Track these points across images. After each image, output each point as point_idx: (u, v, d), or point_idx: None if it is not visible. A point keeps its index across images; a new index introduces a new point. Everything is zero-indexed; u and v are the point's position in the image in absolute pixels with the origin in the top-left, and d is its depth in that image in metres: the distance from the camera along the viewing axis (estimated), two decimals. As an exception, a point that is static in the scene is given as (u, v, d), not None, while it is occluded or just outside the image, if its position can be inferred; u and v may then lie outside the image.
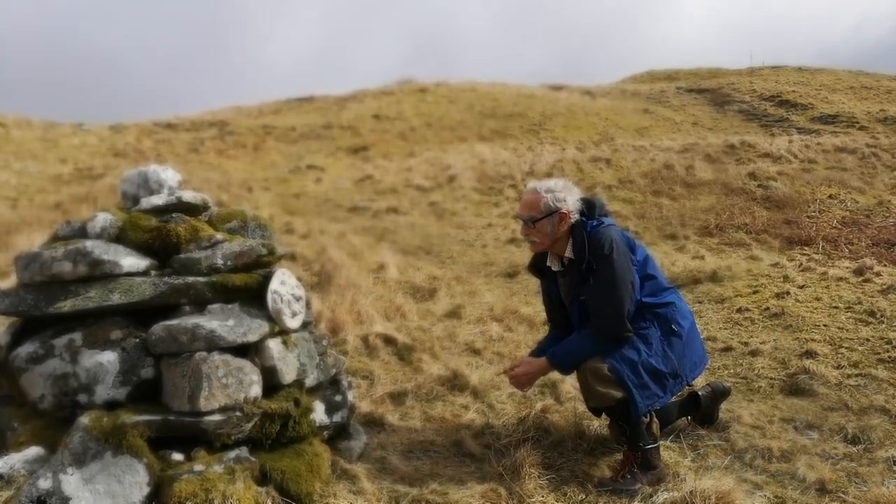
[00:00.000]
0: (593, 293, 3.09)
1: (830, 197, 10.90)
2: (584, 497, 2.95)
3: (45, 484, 2.39)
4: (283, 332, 3.02)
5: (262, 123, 20.88)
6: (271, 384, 2.90)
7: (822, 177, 12.21)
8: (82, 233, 2.99)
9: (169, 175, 3.20)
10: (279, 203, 11.34)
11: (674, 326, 3.15)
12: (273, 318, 2.96)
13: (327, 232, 9.09)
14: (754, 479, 3.11)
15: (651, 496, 2.96)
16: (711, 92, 25.70)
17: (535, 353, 3.40)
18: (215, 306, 2.89)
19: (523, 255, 8.15)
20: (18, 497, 2.36)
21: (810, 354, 4.59)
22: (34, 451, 2.61)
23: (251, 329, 2.83)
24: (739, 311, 5.82)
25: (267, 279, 3.02)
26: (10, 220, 8.59)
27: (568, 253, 3.19)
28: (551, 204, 3.16)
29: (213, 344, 2.71)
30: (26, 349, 2.82)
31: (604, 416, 3.45)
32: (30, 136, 18.20)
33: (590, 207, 3.23)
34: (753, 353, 4.76)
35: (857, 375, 4.26)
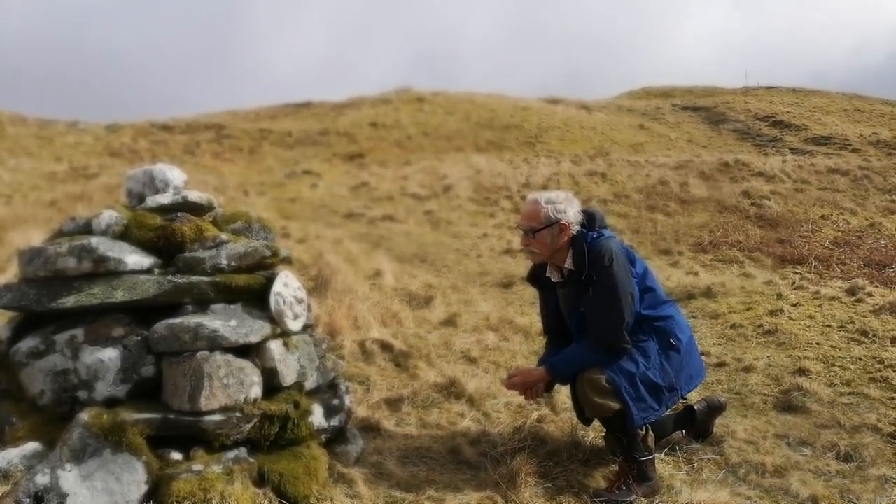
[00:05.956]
0: (593, 304, 3.10)
1: (823, 217, 10.99)
2: (579, 507, 2.96)
3: (42, 480, 2.39)
4: (285, 334, 3.03)
5: (258, 127, 20.90)
6: (271, 386, 2.90)
7: (815, 197, 12.33)
8: (87, 229, 2.99)
9: (175, 174, 3.21)
10: (275, 207, 11.35)
11: (672, 340, 3.17)
12: (275, 320, 2.97)
13: (323, 237, 9.11)
14: (748, 493, 3.13)
15: (646, 508, 2.97)
16: (706, 110, 25.93)
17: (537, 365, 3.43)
18: (218, 306, 2.90)
19: (519, 265, 8.18)
20: (15, 492, 2.35)
21: (803, 372, 4.62)
22: (32, 446, 2.61)
23: (253, 330, 2.83)
24: (733, 327, 5.85)
25: (270, 281, 3.03)
26: (5, 217, 8.56)
27: (568, 264, 3.21)
28: (552, 215, 3.18)
29: (216, 344, 2.71)
30: (27, 344, 2.81)
31: (599, 426, 3.47)
32: (24, 132, 18.16)
33: (590, 219, 3.25)
34: (747, 369, 4.79)
35: (849, 394, 4.30)
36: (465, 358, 4.95)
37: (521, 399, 3.74)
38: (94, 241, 2.83)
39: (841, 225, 10.56)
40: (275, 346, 2.92)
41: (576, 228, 3.19)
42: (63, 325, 2.84)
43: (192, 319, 2.77)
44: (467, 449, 3.47)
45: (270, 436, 2.84)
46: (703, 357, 4.35)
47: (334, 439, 3.22)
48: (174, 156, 16.49)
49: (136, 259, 2.88)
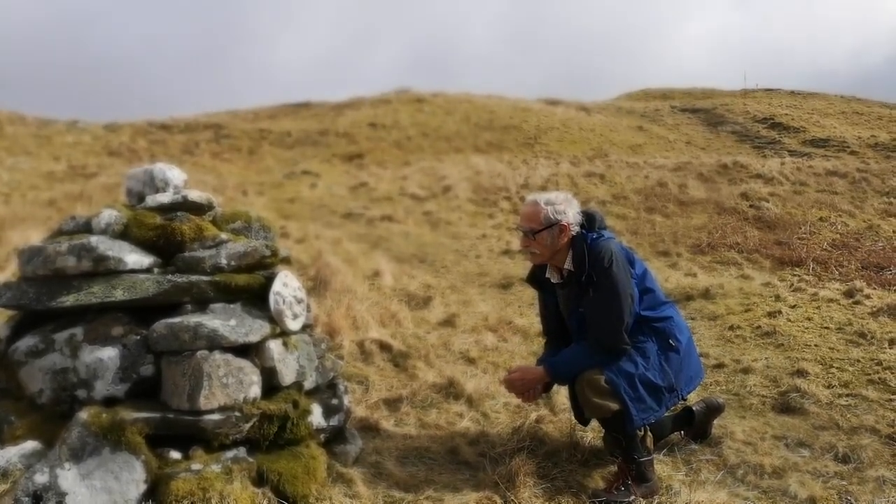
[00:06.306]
0: (593, 305, 3.10)
1: (821, 219, 11.02)
2: (578, 507, 2.96)
3: (41, 478, 2.38)
4: (284, 334, 3.03)
5: (257, 128, 20.90)
6: (270, 385, 2.91)
7: (813, 199, 12.35)
8: (87, 228, 2.99)
9: (174, 174, 3.21)
10: (274, 207, 11.35)
11: (671, 341, 3.17)
12: (274, 320, 2.97)
13: (322, 237, 9.11)
14: (746, 494, 3.13)
15: (645, 508, 2.97)
16: (705, 112, 25.98)
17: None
18: (217, 306, 2.90)
19: (517, 266, 8.19)
20: (14, 491, 2.35)
21: (801, 373, 4.62)
22: (31, 445, 2.60)
23: (253, 329, 2.84)
24: (731, 328, 5.86)
25: (269, 280, 3.03)
26: (4, 216, 8.55)
27: (567, 265, 3.21)
28: (551, 216, 3.18)
29: (215, 343, 2.71)
30: (26, 343, 2.81)
31: (597, 427, 3.48)
32: (23, 132, 18.15)
33: (589, 220, 3.25)
34: (745, 371, 4.79)
35: (847, 395, 4.30)
36: (463, 358, 4.95)
37: (519, 399, 3.76)
38: (94, 240, 2.83)
39: (839, 227, 10.58)
40: (274, 346, 2.92)
41: (575, 229, 3.19)
42: (62, 324, 2.84)
43: (191, 319, 2.77)
44: (466, 449, 3.47)
45: (269, 435, 2.84)
46: (701, 358, 4.37)
47: (333, 439, 3.22)
48: (173, 155, 16.49)
49: (135, 258, 2.88)
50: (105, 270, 2.81)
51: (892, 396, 4.25)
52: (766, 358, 5.06)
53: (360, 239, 9.44)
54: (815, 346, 5.25)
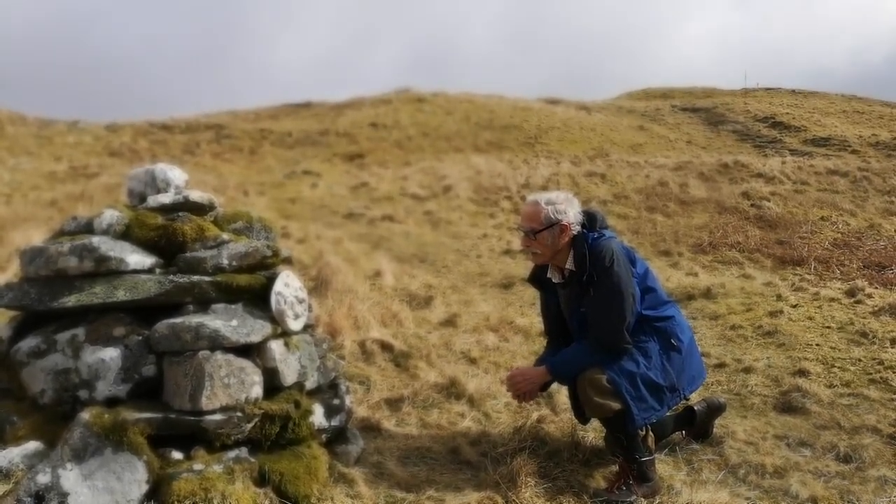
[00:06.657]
0: (594, 305, 3.10)
1: (822, 219, 11.01)
2: (579, 507, 2.96)
3: (43, 479, 2.38)
4: (286, 334, 3.04)
5: (258, 128, 20.92)
6: (272, 385, 2.91)
7: (815, 198, 12.35)
8: (88, 228, 2.99)
9: (176, 174, 3.21)
10: (275, 207, 11.36)
11: (673, 341, 3.17)
12: (276, 320, 2.97)
13: (323, 237, 9.12)
14: (748, 494, 3.13)
15: (647, 508, 2.97)
16: (706, 111, 25.99)
17: (536, 365, 3.42)
18: (219, 306, 2.90)
19: (518, 266, 8.19)
20: (16, 491, 2.35)
21: (803, 373, 4.62)
22: (33, 445, 2.61)
23: (254, 330, 2.84)
24: (733, 328, 5.86)
25: (271, 280, 3.04)
26: (5, 216, 8.56)
27: (569, 265, 3.21)
28: (552, 216, 3.17)
29: (217, 343, 2.71)
30: (28, 343, 2.81)
31: (598, 427, 3.48)
32: (24, 132, 18.17)
33: (590, 220, 3.25)
34: (747, 370, 4.79)
35: (849, 395, 4.30)
36: (465, 358, 4.95)
37: (516, 400, 3.75)
38: (96, 240, 2.84)
39: (840, 226, 10.57)
40: (276, 346, 2.92)
41: (576, 229, 3.19)
42: (64, 325, 2.84)
43: (193, 319, 2.77)
44: (467, 449, 3.47)
45: (271, 435, 2.84)
46: (703, 357, 4.37)
47: (335, 439, 3.22)
48: (174, 156, 16.51)
49: (137, 258, 2.88)
50: (107, 271, 2.81)
51: (894, 396, 4.25)
52: (767, 357, 5.06)
53: (361, 239, 9.44)
54: (817, 345, 5.25)
